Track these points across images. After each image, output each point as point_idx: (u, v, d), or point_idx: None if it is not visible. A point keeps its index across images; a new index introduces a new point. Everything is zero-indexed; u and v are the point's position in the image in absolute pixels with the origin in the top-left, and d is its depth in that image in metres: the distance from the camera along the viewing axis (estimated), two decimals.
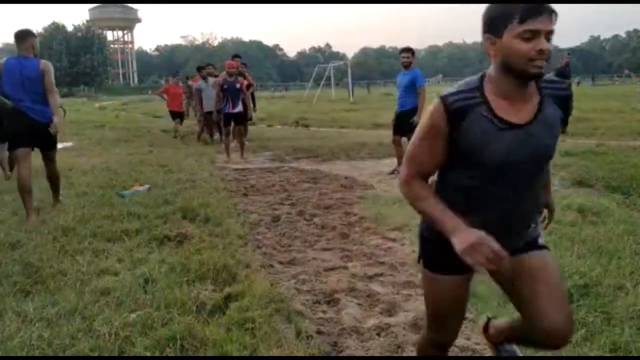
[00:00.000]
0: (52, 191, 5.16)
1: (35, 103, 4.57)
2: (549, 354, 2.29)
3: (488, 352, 2.36)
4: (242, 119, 8.96)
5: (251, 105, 11.10)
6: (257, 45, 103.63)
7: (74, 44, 64.94)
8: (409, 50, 7.00)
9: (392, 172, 7.11)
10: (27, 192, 4.59)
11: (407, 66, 6.90)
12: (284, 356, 2.26)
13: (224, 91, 8.56)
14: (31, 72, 4.54)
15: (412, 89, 6.82)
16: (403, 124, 6.97)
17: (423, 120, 1.56)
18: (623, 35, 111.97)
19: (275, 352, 2.27)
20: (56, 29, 65.43)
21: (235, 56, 10.39)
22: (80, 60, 64.61)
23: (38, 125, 4.58)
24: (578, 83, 58.70)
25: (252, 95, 11.17)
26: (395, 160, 7.29)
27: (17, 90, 4.55)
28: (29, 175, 4.61)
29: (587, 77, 72.41)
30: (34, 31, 4.91)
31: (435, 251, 1.64)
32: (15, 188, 4.72)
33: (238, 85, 8.55)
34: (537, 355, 2.29)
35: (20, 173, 4.60)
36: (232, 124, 8.90)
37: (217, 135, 11.64)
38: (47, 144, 4.78)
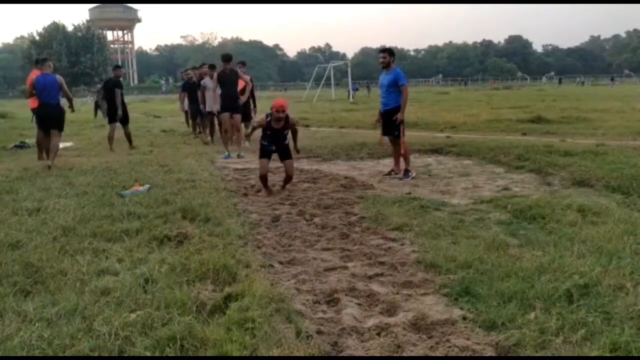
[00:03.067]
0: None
1: (53, 101, 8.03)
2: (549, 354, 2.30)
3: (488, 352, 2.37)
4: (288, 155, 6.28)
5: (252, 105, 11.07)
6: (257, 45, 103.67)
7: (74, 44, 64.94)
8: (385, 50, 7.11)
9: (389, 173, 7.12)
10: (45, 151, 8.22)
11: (385, 66, 6.99)
12: (284, 356, 2.26)
13: (268, 130, 6.14)
14: (51, 83, 7.95)
15: (395, 88, 6.89)
16: (389, 123, 7.01)
17: None
18: (623, 35, 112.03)
19: (275, 352, 2.27)
20: (56, 29, 65.42)
21: (226, 59, 9.34)
22: (80, 60, 64.62)
23: (53, 114, 8.02)
24: (583, 83, 58.25)
25: (252, 94, 11.08)
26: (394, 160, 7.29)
27: (43, 94, 7.94)
28: (49, 143, 8.11)
29: (590, 77, 72.26)
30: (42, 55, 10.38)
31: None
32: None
33: (286, 132, 6.19)
34: (537, 355, 2.30)
35: (45, 142, 8.25)
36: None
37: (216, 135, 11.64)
38: (58, 125, 8.11)
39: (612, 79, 57.98)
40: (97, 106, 21.63)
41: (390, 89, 6.95)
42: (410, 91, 7.31)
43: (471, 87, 64.26)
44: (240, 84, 9.68)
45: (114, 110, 10.19)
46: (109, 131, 10.40)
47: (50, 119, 7.98)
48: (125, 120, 10.42)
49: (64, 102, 8.49)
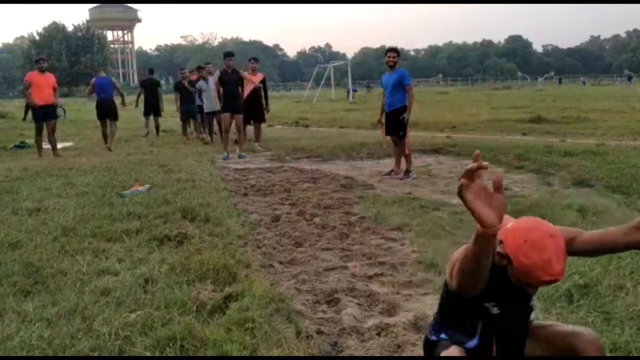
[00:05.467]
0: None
1: (109, 97, 10.57)
2: None
3: None
4: None
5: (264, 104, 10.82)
6: (257, 45, 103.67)
7: (74, 44, 64.96)
8: (394, 50, 7.10)
9: (389, 173, 7.12)
10: (105, 137, 10.46)
11: (392, 66, 6.99)
12: (284, 356, 2.25)
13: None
14: (107, 84, 10.61)
15: (400, 88, 6.89)
16: (394, 123, 7.01)
17: None
18: (623, 35, 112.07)
19: (275, 352, 2.27)
20: (56, 29, 65.42)
21: (228, 55, 9.54)
22: (80, 60, 64.59)
23: (109, 107, 10.52)
24: (584, 83, 57.47)
25: (266, 93, 10.74)
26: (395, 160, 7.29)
27: (102, 91, 10.51)
28: (106, 131, 10.51)
29: (590, 77, 71.98)
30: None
31: None
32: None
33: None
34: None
35: (103, 130, 10.59)
36: None
37: (213, 136, 11.62)
38: (114, 115, 10.56)
39: (630, 78, 48.23)
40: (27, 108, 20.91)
41: (396, 89, 6.95)
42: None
43: (471, 87, 64.23)
44: (249, 87, 9.60)
45: (156, 104, 12.84)
46: (146, 122, 13.23)
47: (106, 111, 10.45)
48: (158, 113, 13.01)
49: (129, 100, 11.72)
